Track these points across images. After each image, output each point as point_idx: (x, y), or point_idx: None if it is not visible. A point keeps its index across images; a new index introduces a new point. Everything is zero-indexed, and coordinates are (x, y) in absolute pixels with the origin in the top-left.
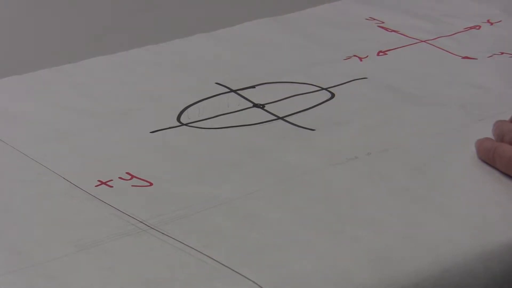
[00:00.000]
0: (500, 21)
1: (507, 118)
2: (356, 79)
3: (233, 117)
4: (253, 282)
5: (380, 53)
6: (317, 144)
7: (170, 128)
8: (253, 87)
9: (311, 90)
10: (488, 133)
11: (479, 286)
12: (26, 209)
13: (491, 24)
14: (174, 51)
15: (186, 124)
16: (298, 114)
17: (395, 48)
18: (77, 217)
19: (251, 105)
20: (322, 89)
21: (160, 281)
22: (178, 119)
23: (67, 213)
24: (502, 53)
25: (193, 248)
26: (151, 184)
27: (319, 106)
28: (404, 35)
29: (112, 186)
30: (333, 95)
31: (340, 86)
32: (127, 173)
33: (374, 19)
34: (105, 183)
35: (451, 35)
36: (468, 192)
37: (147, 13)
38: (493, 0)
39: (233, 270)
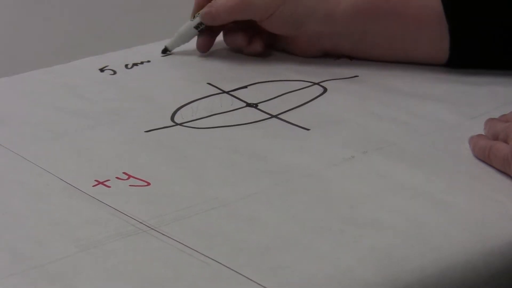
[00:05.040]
0: None
1: (498, 115)
2: (347, 78)
3: (227, 117)
4: (257, 283)
5: None
6: (313, 144)
7: (164, 127)
8: (245, 87)
9: (303, 86)
10: (480, 130)
11: (480, 281)
12: (25, 210)
13: None
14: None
15: (180, 124)
16: (292, 111)
17: None
18: (76, 217)
19: (244, 104)
20: (314, 84)
21: (164, 282)
22: (172, 118)
23: (67, 213)
24: None
25: (195, 250)
26: (148, 184)
27: (313, 103)
28: None
29: (109, 186)
30: (325, 90)
31: (332, 81)
32: (124, 173)
33: None
34: (102, 183)
35: None
36: (466, 189)
37: (138, 14)
38: None
39: (236, 271)
